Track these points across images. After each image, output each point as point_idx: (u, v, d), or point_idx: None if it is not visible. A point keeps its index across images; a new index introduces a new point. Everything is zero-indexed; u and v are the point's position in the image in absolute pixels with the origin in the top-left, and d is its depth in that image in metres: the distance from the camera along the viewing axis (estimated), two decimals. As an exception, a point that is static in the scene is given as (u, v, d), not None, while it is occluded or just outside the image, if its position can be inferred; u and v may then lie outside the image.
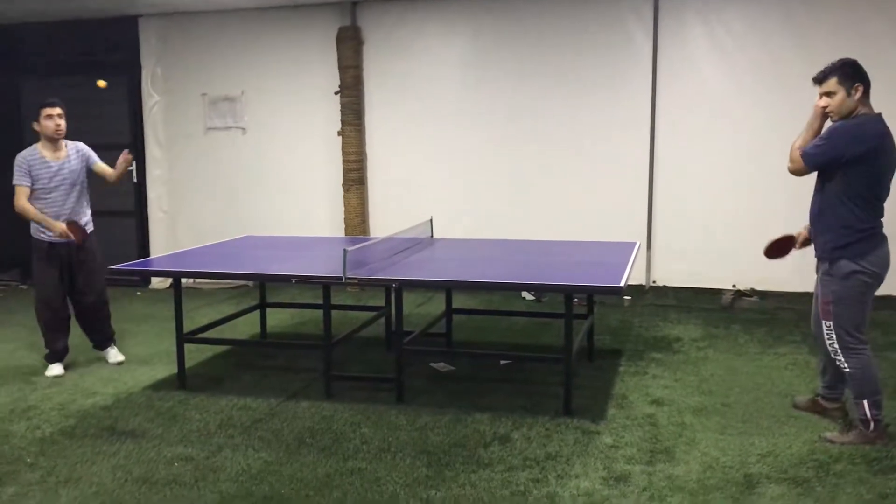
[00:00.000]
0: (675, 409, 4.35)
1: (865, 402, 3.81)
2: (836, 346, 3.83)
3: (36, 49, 8.58)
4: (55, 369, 5.24)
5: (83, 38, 8.39)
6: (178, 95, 8.32)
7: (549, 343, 5.77)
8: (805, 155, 3.78)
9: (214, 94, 8.26)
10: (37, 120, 5.13)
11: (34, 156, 5.10)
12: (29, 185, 5.06)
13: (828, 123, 3.85)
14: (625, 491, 3.39)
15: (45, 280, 5.22)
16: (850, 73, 3.71)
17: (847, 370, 3.84)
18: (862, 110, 3.73)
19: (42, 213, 5.08)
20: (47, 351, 5.30)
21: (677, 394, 4.61)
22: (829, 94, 3.74)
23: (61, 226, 5.06)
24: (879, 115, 3.75)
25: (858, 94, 3.70)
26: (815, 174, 3.89)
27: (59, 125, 5.11)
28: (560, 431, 4.05)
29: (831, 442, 3.84)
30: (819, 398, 4.26)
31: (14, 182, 5.07)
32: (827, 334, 3.86)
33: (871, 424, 3.81)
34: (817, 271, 4.02)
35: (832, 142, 3.72)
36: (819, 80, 3.79)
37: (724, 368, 5.08)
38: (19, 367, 5.41)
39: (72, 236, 5.07)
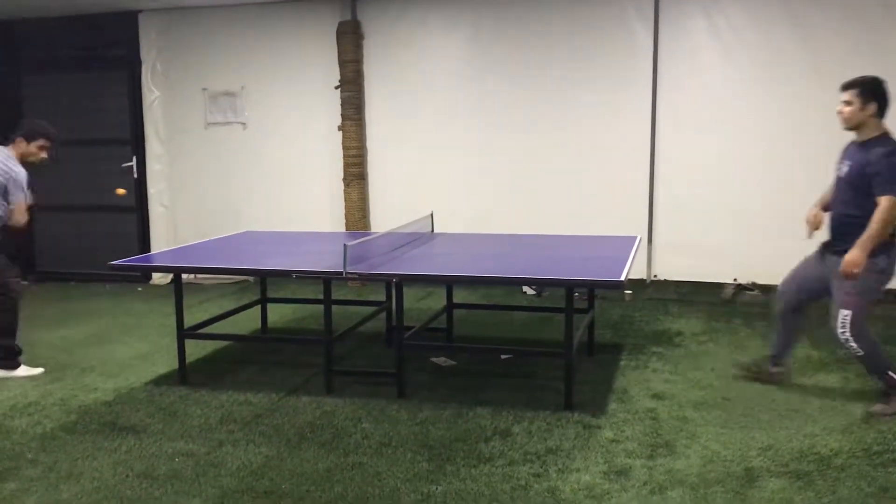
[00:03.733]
0: (676, 403, 4.35)
1: (889, 372, 4.12)
2: (849, 333, 4.02)
3: (36, 44, 8.56)
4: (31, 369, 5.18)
5: (83, 33, 8.36)
6: (178, 91, 8.31)
7: (549, 338, 5.76)
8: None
9: (215, 89, 8.25)
10: (34, 139, 5.00)
11: (23, 169, 4.99)
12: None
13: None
14: (625, 485, 3.39)
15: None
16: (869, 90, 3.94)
17: (861, 353, 4.07)
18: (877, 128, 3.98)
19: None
20: (16, 346, 5.19)
21: (678, 388, 4.61)
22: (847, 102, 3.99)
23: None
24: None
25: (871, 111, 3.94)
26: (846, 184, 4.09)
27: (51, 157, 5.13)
28: (561, 426, 4.05)
29: (881, 415, 4.02)
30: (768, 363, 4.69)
31: (21, 199, 4.93)
32: (842, 322, 4.04)
33: None
34: (821, 261, 4.25)
35: None
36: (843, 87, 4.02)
37: (725, 362, 5.07)
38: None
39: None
